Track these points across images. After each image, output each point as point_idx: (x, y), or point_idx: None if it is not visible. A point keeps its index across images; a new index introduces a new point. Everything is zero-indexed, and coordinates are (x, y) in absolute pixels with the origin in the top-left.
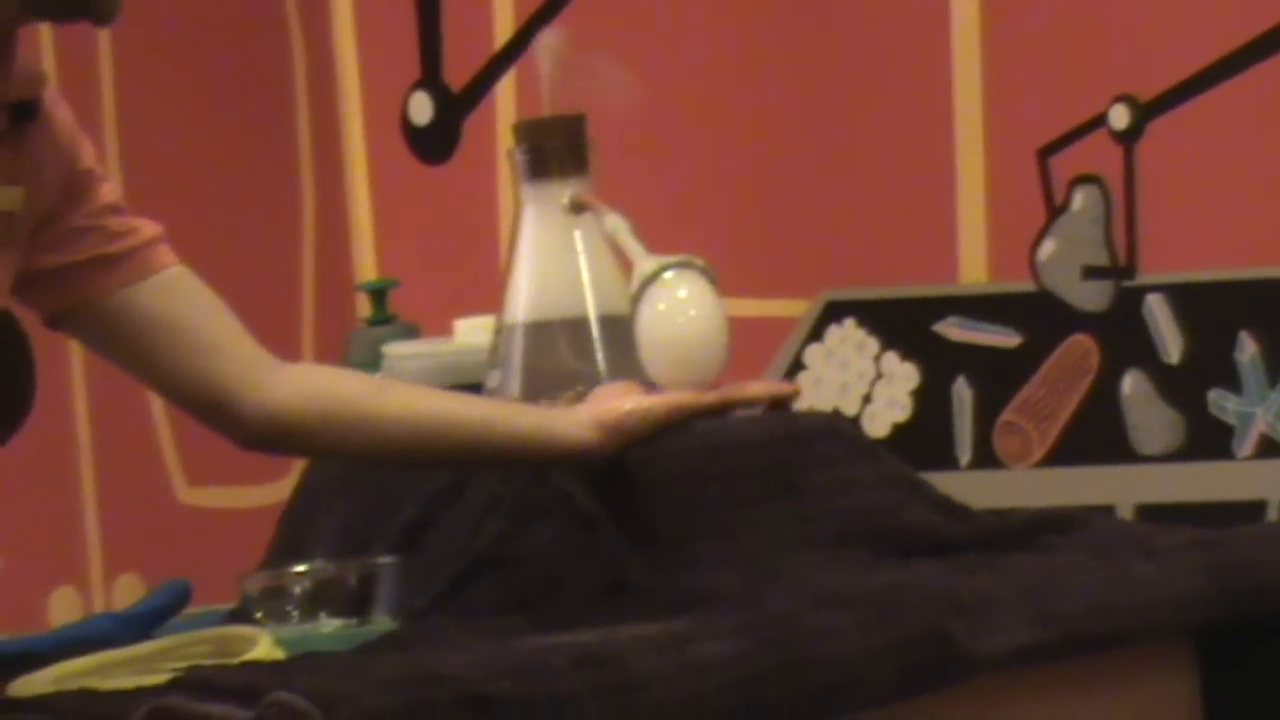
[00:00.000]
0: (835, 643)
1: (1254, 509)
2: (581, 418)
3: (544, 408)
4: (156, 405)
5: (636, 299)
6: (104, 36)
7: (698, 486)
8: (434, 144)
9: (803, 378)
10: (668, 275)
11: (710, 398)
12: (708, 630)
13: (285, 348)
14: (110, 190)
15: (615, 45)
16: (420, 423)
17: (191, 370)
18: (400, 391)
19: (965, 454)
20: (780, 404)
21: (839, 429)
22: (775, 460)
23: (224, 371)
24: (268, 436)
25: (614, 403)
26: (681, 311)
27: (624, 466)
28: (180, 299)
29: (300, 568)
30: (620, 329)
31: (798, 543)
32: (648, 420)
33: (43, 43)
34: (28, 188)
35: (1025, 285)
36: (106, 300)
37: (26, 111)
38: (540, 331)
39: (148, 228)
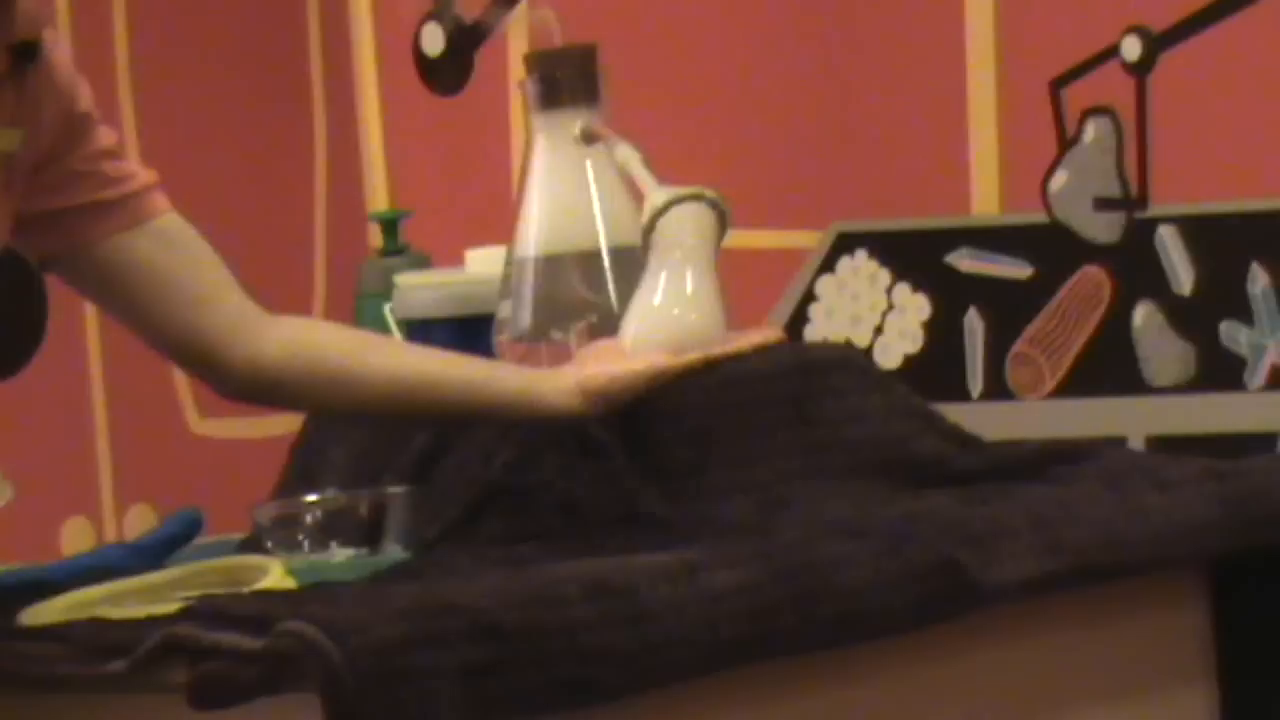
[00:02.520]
0: (847, 572)
1: (1266, 440)
2: (566, 383)
3: (529, 370)
4: None
5: (647, 231)
6: None
7: (710, 417)
8: (446, 75)
9: (814, 309)
10: (678, 271)
11: (694, 359)
12: (719, 559)
13: (298, 277)
14: (107, 134)
15: None
16: (403, 383)
17: (180, 321)
18: (385, 350)
19: (977, 385)
20: (760, 351)
21: (851, 360)
22: (787, 391)
23: (212, 324)
24: (252, 390)
25: (598, 368)
26: (679, 308)
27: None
28: (173, 248)
29: (312, 497)
30: (632, 260)
31: (810, 473)
32: (631, 387)
33: None
34: (27, 129)
35: (1037, 216)
36: (99, 246)
37: (28, 52)
38: (551, 263)
39: (143, 174)
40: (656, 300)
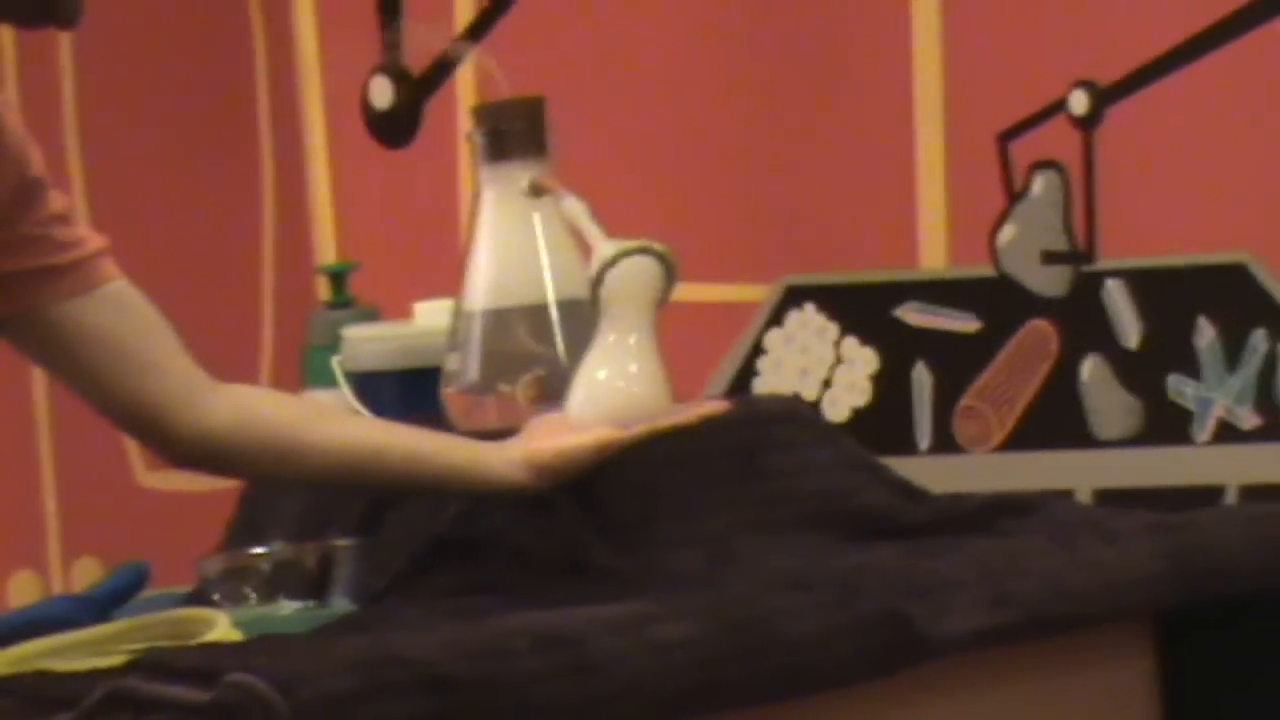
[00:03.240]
0: (795, 625)
1: (1212, 494)
2: (513, 456)
3: (475, 443)
4: None
5: (595, 284)
6: None
7: (658, 469)
8: (394, 128)
9: (762, 362)
10: (623, 338)
11: (641, 431)
12: (668, 611)
13: (246, 329)
14: (57, 198)
15: (575, 28)
16: (349, 454)
17: (127, 388)
18: (332, 421)
19: (925, 439)
20: (710, 422)
21: (798, 413)
22: (735, 443)
23: (159, 391)
24: (200, 458)
25: (545, 441)
26: (624, 380)
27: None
28: (122, 315)
29: (259, 550)
30: (580, 313)
31: (758, 525)
32: (577, 461)
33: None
34: None
35: (985, 270)
36: (48, 311)
37: None
38: (499, 315)
39: (93, 239)
40: (601, 374)
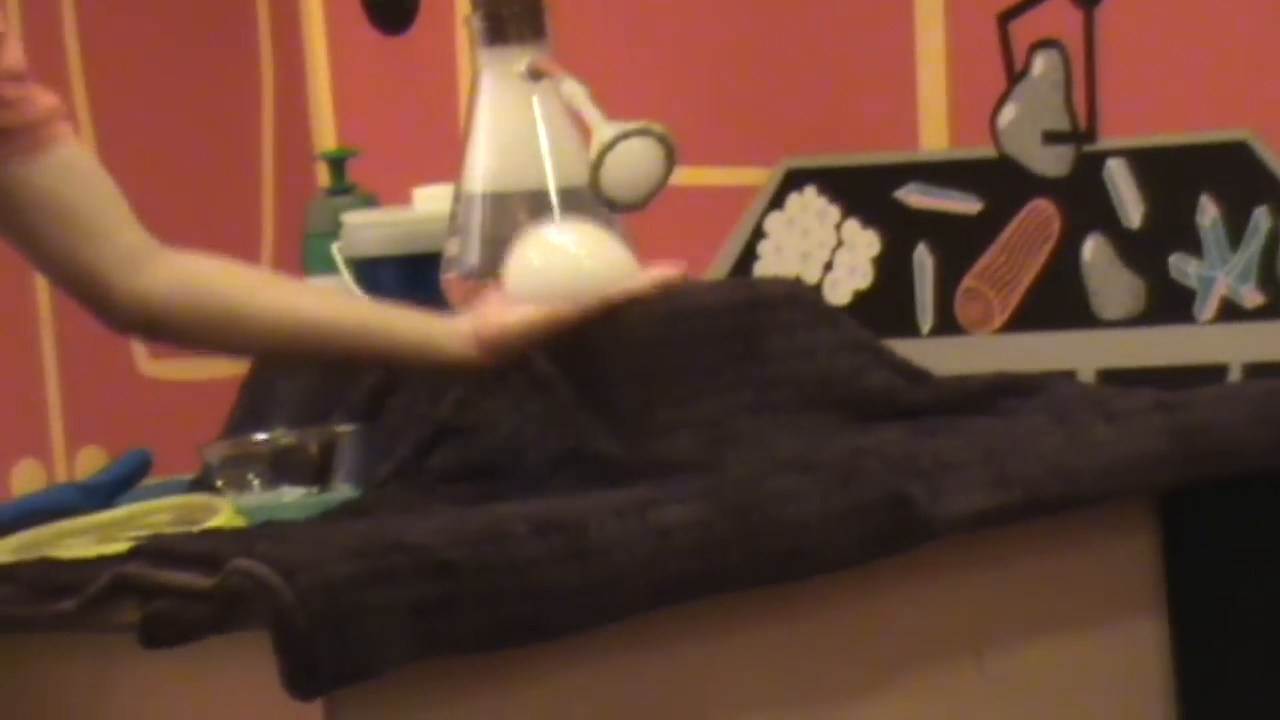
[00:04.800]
0: (796, 507)
1: (1215, 372)
2: (462, 330)
3: (427, 315)
4: None
5: (595, 167)
6: None
7: (658, 353)
8: (392, 13)
9: (763, 246)
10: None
11: (592, 305)
12: (668, 495)
13: (245, 216)
14: (11, 53)
15: None
16: (293, 324)
17: (69, 253)
18: (279, 290)
19: (927, 320)
20: (665, 290)
21: (799, 295)
22: (735, 326)
23: (100, 257)
24: (138, 325)
25: (494, 316)
26: (571, 252)
27: (583, 333)
28: (68, 179)
29: (261, 436)
30: (579, 198)
31: (758, 408)
32: (526, 335)
33: None
34: None
35: (986, 151)
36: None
37: None
38: (499, 201)
39: (46, 99)
40: (553, 238)
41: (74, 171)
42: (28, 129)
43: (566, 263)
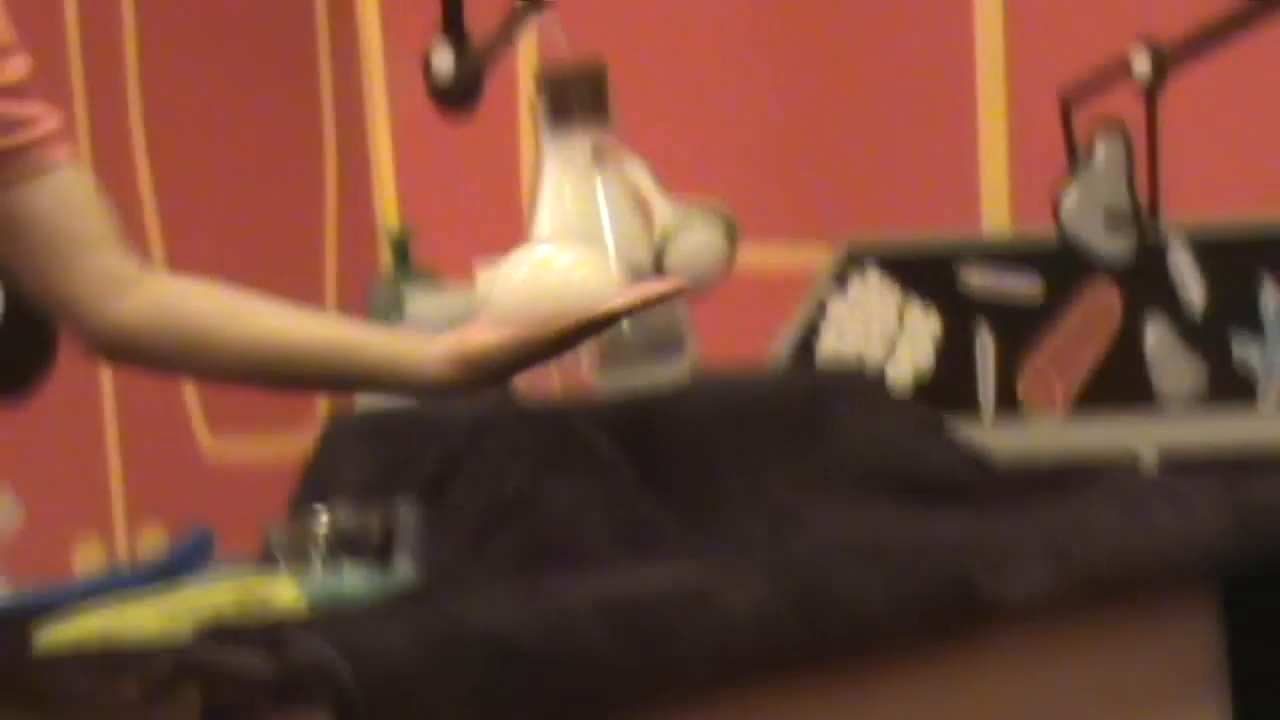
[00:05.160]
0: (860, 591)
1: (1278, 455)
2: (437, 350)
3: (401, 335)
4: None
5: (659, 250)
6: None
7: (721, 433)
8: (455, 94)
9: (826, 327)
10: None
11: (568, 326)
12: (732, 578)
13: (308, 294)
14: (14, 66)
15: None
16: (268, 348)
17: (47, 278)
18: (255, 314)
19: (989, 402)
20: (651, 306)
21: (862, 377)
22: (799, 407)
23: (78, 282)
24: (114, 351)
25: (469, 336)
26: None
27: (647, 413)
28: (56, 204)
29: (323, 515)
30: (643, 279)
31: (822, 490)
32: (499, 356)
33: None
34: None
35: (1048, 233)
36: None
37: None
38: None
39: (46, 120)
40: (525, 273)
41: (63, 196)
42: (23, 153)
43: (552, 278)
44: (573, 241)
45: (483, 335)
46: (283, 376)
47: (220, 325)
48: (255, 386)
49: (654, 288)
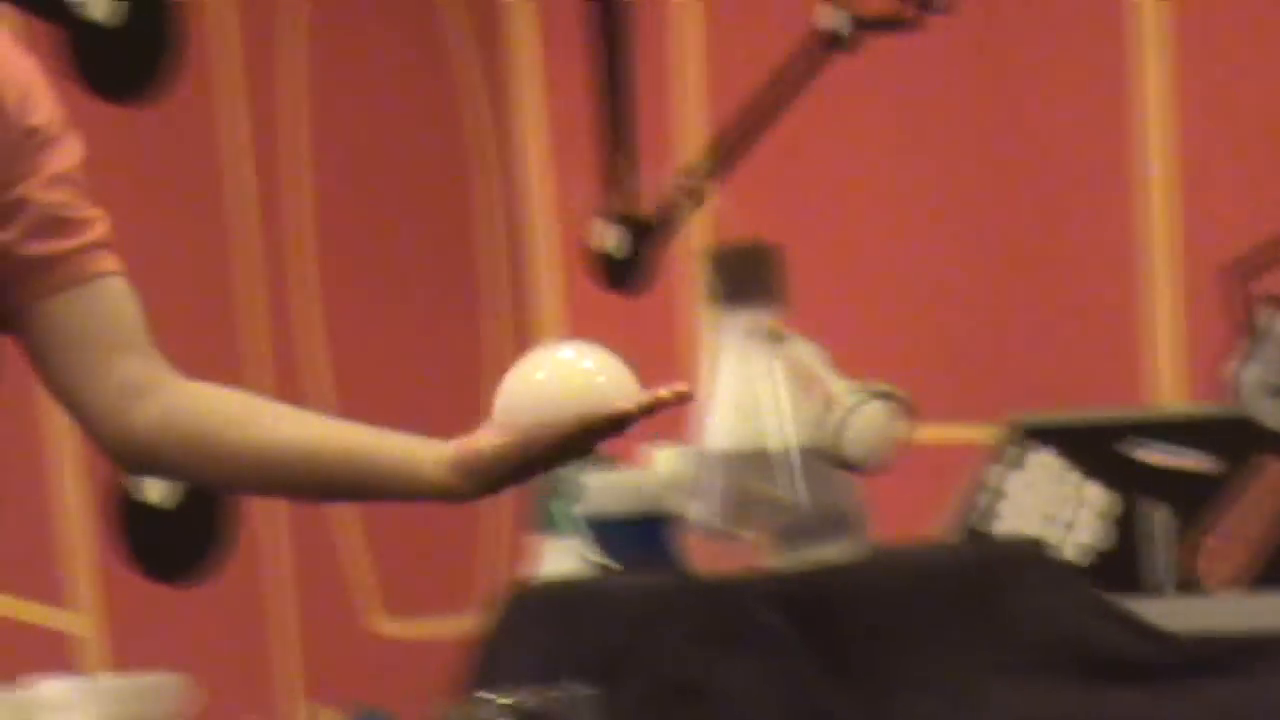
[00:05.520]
0: None
1: None
2: (443, 456)
3: (410, 439)
4: (349, 535)
5: (835, 430)
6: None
7: (897, 609)
8: (624, 272)
9: (997, 502)
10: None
11: (569, 425)
12: None
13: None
14: (68, 156)
15: (805, 175)
16: (280, 455)
17: (69, 386)
18: (267, 421)
19: (1165, 579)
20: (658, 410)
21: (1035, 554)
22: (973, 582)
23: (98, 393)
24: (128, 459)
25: (471, 441)
26: (542, 374)
27: (822, 590)
28: (88, 315)
29: (503, 699)
30: (818, 458)
31: (999, 668)
32: (498, 462)
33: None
34: None
35: (1220, 408)
36: (28, 308)
37: None
38: (739, 461)
39: (95, 226)
40: (528, 375)
41: (97, 305)
42: (67, 261)
43: (563, 380)
44: (589, 346)
45: (486, 439)
46: (299, 480)
47: (233, 432)
48: (269, 494)
49: (658, 393)
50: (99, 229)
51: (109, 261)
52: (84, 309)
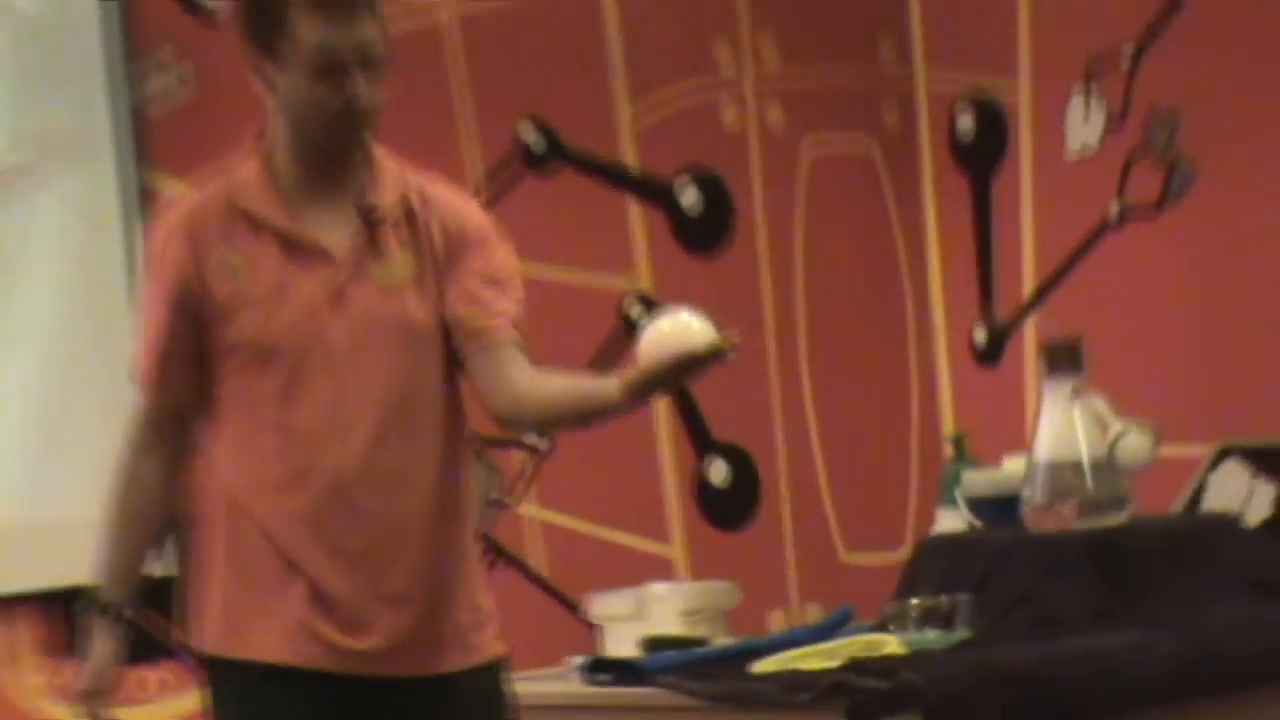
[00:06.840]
0: (1244, 649)
1: None
2: (619, 382)
3: (605, 378)
4: (829, 500)
5: (1110, 449)
6: None
7: (1152, 555)
8: (990, 355)
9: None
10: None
11: (669, 362)
12: (1161, 639)
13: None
14: (496, 259)
15: (1103, 293)
16: (570, 398)
17: (479, 384)
18: (553, 379)
19: None
20: (722, 350)
21: (1233, 522)
22: (1197, 540)
23: (494, 394)
24: (507, 415)
25: (628, 372)
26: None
27: (1109, 541)
28: (490, 362)
29: (914, 600)
30: (1100, 465)
31: (1214, 590)
32: (642, 381)
33: None
34: (416, 253)
35: None
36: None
37: (374, 215)
38: (1053, 467)
39: (503, 311)
40: (661, 328)
41: (497, 357)
42: (484, 333)
43: (665, 335)
44: (686, 312)
45: (632, 372)
46: (571, 412)
47: (543, 387)
48: (564, 426)
49: (721, 337)
50: (507, 307)
51: (511, 335)
52: (489, 360)
